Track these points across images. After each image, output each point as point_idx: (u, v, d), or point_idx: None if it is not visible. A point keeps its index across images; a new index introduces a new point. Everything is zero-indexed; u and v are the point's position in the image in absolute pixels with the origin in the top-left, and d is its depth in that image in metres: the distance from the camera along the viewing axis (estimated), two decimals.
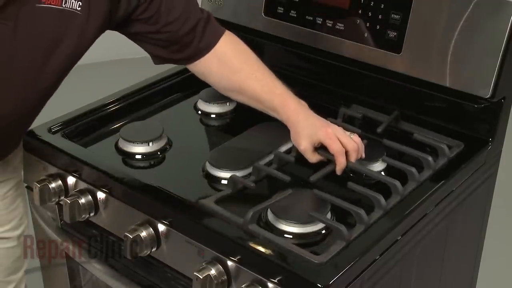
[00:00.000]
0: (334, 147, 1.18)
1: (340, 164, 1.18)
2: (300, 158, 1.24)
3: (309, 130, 1.20)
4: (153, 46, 1.26)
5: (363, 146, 1.21)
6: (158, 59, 1.29)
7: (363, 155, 1.21)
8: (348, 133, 1.22)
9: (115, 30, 1.23)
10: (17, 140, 1.29)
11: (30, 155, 1.32)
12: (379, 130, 1.32)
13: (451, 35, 1.25)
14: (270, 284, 1.00)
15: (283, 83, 1.27)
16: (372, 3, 1.33)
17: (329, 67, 1.46)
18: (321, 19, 1.40)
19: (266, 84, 1.26)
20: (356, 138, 1.21)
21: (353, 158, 1.19)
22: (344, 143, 1.18)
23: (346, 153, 1.19)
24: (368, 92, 1.43)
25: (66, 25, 1.12)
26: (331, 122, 1.32)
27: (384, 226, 1.08)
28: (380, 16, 1.32)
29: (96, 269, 1.27)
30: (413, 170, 1.17)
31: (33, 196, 1.28)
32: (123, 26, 1.22)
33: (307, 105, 1.25)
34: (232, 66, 1.27)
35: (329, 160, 1.20)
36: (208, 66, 1.28)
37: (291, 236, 1.08)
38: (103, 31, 1.19)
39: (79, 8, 1.12)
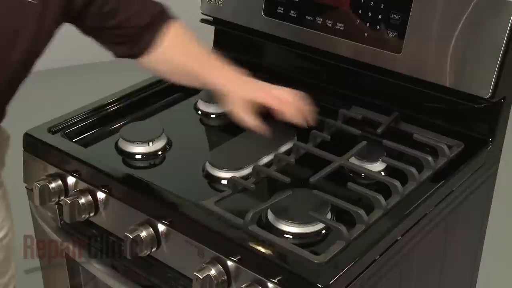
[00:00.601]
0: (272, 102, 1.21)
1: (287, 111, 1.21)
2: (300, 159, 1.24)
3: (241, 92, 1.23)
4: (108, 41, 1.26)
5: (300, 101, 1.23)
6: (115, 54, 1.29)
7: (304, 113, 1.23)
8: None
9: (72, 23, 1.22)
10: None
11: (30, 155, 1.33)
12: (379, 131, 1.32)
13: (451, 35, 1.25)
14: (270, 284, 1.00)
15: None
16: (372, 3, 1.33)
17: (329, 67, 1.46)
18: (321, 19, 1.40)
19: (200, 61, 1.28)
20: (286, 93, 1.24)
21: (289, 110, 1.21)
22: (277, 94, 1.22)
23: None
24: (368, 92, 1.43)
25: (22, 16, 1.10)
26: (331, 123, 1.32)
27: (384, 226, 1.08)
28: (380, 16, 1.32)
29: (96, 269, 1.27)
30: (413, 170, 1.17)
31: (33, 196, 1.28)
32: (80, 19, 1.21)
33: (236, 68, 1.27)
34: (175, 61, 1.29)
35: (327, 160, 1.20)
36: (153, 64, 1.29)
37: (291, 236, 1.08)
38: (60, 23, 1.17)
39: None
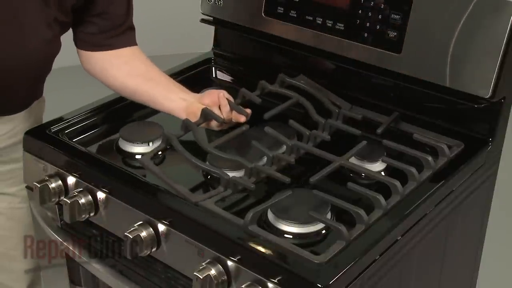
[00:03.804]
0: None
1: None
2: (300, 159, 1.24)
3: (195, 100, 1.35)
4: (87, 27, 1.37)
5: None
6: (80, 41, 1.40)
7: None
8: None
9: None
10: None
11: (30, 155, 1.33)
12: (379, 131, 1.32)
13: (451, 35, 1.25)
14: (270, 284, 1.00)
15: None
16: (372, 3, 1.33)
17: (329, 67, 1.46)
18: (321, 19, 1.40)
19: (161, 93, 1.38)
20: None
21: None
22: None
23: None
24: (368, 92, 1.43)
25: None
26: (331, 123, 1.32)
27: (384, 226, 1.08)
28: (380, 16, 1.32)
29: (96, 269, 1.27)
30: (413, 170, 1.17)
31: (33, 196, 1.28)
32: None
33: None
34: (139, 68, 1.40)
35: (327, 160, 1.20)
36: (109, 62, 1.39)
37: (291, 236, 1.08)
38: None
39: None
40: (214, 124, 1.33)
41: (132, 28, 1.42)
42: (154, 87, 1.38)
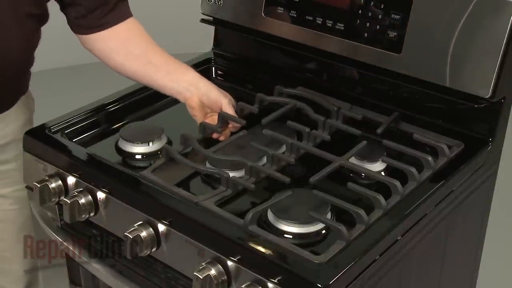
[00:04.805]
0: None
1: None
2: (300, 159, 1.24)
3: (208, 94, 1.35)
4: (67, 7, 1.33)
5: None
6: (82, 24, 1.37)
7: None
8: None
9: None
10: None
11: (30, 155, 1.33)
12: (379, 131, 1.32)
13: (451, 35, 1.25)
14: (270, 284, 1.00)
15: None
16: (372, 3, 1.33)
17: (329, 67, 1.46)
18: (321, 19, 1.40)
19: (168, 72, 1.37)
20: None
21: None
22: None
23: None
24: (368, 92, 1.43)
25: None
26: (330, 123, 1.32)
27: (384, 226, 1.08)
28: (380, 16, 1.32)
29: (96, 269, 1.27)
30: (413, 170, 1.17)
31: (33, 196, 1.28)
32: None
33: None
34: (131, 51, 1.37)
35: (327, 160, 1.20)
36: (106, 44, 1.36)
37: (291, 236, 1.08)
38: None
39: None
40: (213, 135, 1.35)
41: (122, 0, 1.38)
42: (153, 72, 1.37)
